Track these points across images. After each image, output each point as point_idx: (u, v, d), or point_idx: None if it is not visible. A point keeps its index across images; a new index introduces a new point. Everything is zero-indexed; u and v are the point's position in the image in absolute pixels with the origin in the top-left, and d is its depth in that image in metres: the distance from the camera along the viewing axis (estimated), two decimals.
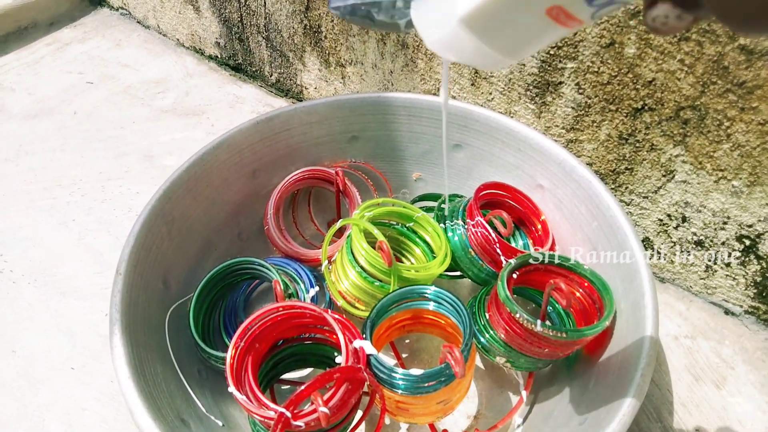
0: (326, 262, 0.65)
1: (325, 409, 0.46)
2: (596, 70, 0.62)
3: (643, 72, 0.59)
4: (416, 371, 0.51)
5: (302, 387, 0.47)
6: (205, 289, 0.62)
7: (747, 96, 0.54)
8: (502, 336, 0.58)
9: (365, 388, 0.54)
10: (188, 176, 0.65)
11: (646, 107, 0.61)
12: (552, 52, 0.63)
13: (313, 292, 0.65)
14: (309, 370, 0.65)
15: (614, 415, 0.47)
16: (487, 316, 0.60)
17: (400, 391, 0.52)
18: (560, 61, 0.64)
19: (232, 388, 0.50)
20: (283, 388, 0.64)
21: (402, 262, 0.69)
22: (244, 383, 0.52)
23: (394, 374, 0.52)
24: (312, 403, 0.47)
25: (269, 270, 0.61)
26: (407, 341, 0.69)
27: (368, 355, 0.53)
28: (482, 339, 0.60)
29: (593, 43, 0.60)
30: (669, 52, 0.56)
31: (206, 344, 0.60)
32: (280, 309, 0.54)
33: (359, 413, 0.55)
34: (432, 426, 0.58)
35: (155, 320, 0.59)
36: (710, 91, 0.56)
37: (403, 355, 0.67)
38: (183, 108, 0.97)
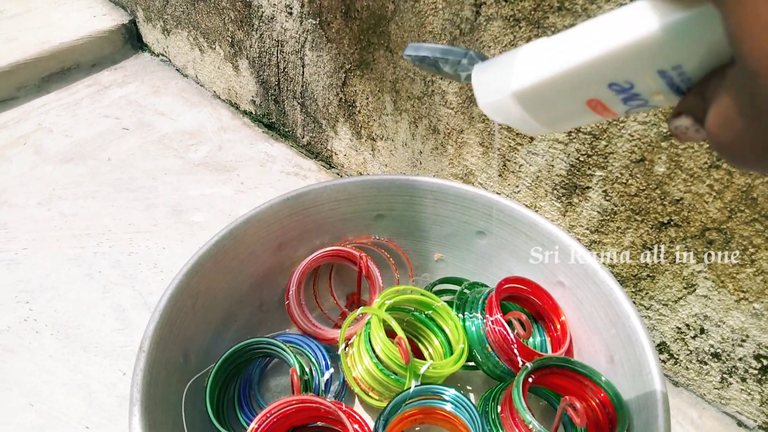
0: (343, 345, 0.66)
1: None
2: (624, 181, 0.63)
3: (672, 190, 0.60)
4: None
5: None
6: (223, 366, 0.63)
7: None
8: None
9: None
10: (217, 250, 0.67)
11: (671, 222, 0.62)
12: (582, 159, 0.65)
13: (328, 374, 0.65)
14: None
15: None
16: (500, 416, 0.61)
17: None
18: (589, 168, 0.65)
19: None
20: None
21: (418, 349, 0.70)
22: None
23: None
24: None
25: (287, 353, 0.62)
26: (417, 429, 0.69)
27: None
28: None
29: (623, 157, 0.61)
30: (698, 176, 0.57)
31: (220, 420, 0.61)
32: (295, 402, 0.55)
33: None
34: None
35: (173, 396, 0.60)
36: (737, 217, 0.57)
37: None
38: (215, 162, 0.99)
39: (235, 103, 1.11)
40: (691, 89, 0.24)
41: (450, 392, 0.58)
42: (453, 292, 0.75)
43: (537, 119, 0.31)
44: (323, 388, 0.64)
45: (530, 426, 0.55)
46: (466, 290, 0.72)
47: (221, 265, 0.68)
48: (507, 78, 0.30)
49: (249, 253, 0.70)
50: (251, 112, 1.09)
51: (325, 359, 0.67)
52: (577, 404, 0.54)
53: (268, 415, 0.54)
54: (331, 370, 0.67)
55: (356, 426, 0.55)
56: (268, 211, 0.71)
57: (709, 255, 0.61)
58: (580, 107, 0.28)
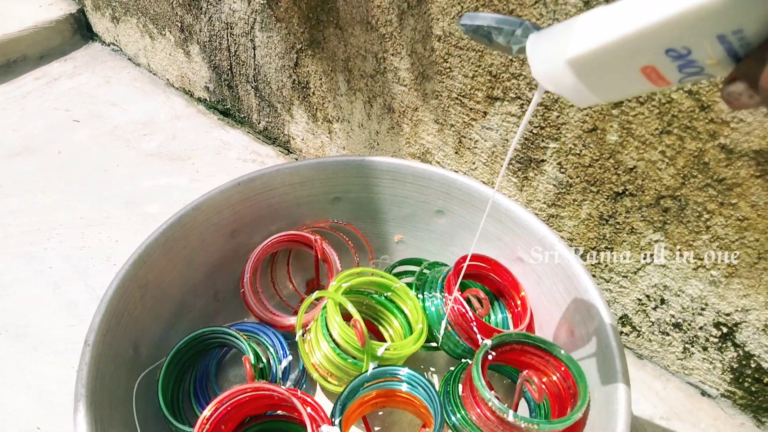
0: (301, 332, 0.64)
1: None
2: (578, 152, 0.62)
3: (625, 159, 0.59)
4: None
5: None
6: (176, 358, 0.61)
7: (726, 192, 0.54)
8: (474, 418, 0.57)
9: None
10: (165, 239, 0.64)
11: (627, 192, 0.61)
12: (535, 132, 0.64)
13: (285, 362, 0.64)
14: None
15: None
16: (461, 395, 0.60)
17: None
18: (543, 141, 0.64)
19: None
20: None
21: (379, 332, 0.69)
22: None
23: None
24: None
25: (240, 341, 0.61)
26: (380, 413, 0.68)
27: None
28: (454, 418, 0.59)
29: (575, 127, 0.60)
30: (650, 143, 0.56)
31: (175, 414, 0.59)
32: (248, 390, 0.53)
33: None
34: None
35: (123, 390, 0.57)
36: (690, 183, 0.56)
37: (375, 429, 0.66)
38: (169, 152, 0.96)
39: (189, 91, 1.08)
40: (749, 55, 0.24)
41: (404, 371, 0.57)
42: (414, 273, 0.74)
43: (590, 87, 0.31)
44: (280, 376, 0.63)
45: (490, 404, 0.54)
46: (425, 270, 0.71)
47: (171, 254, 0.65)
48: (563, 46, 0.30)
49: (200, 241, 0.68)
50: (205, 99, 1.06)
51: (282, 347, 0.65)
52: (535, 378, 0.53)
53: (221, 404, 0.52)
54: (289, 357, 0.65)
55: (311, 410, 0.53)
56: (219, 197, 0.69)
57: (665, 223, 0.60)
58: (634, 74, 0.28)
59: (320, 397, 0.69)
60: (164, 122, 1.02)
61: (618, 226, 0.64)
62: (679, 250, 0.61)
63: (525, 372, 0.54)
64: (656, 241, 0.62)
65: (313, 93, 0.84)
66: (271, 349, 0.64)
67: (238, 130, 1.01)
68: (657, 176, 0.58)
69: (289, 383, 0.64)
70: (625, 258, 0.66)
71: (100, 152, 0.96)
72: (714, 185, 0.55)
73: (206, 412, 0.51)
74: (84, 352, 0.54)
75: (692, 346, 0.67)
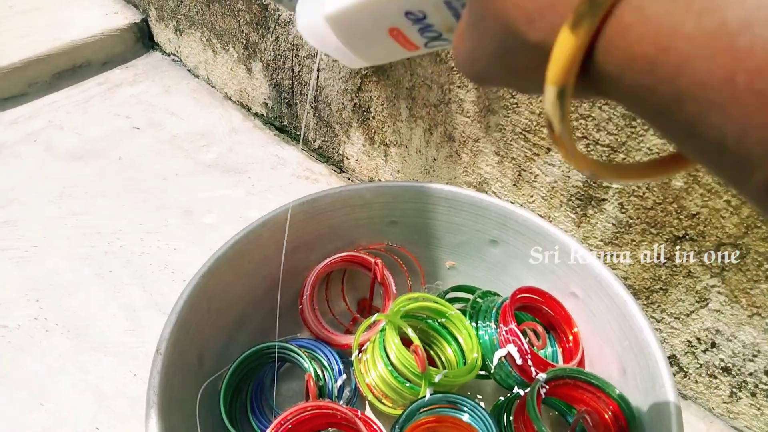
0: (357, 351, 0.66)
1: None
2: (641, 194, 0.63)
3: (688, 204, 0.60)
4: None
5: None
6: (238, 369, 0.63)
7: None
8: None
9: None
10: (233, 252, 0.67)
11: (687, 237, 0.62)
12: None
13: (341, 380, 0.65)
14: None
15: None
16: (513, 425, 0.61)
17: None
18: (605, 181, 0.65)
19: None
20: None
21: (431, 357, 0.70)
22: None
23: None
24: None
25: (302, 358, 0.63)
26: None
27: None
28: None
29: None
30: (716, 191, 0.57)
31: (233, 425, 0.61)
32: (310, 408, 0.55)
33: None
34: None
35: (188, 399, 0.60)
36: (753, 233, 0.57)
37: None
38: (226, 164, 0.99)
39: (247, 105, 1.11)
40: None
41: (468, 403, 0.59)
42: (465, 300, 0.75)
43: (350, 47, 0.30)
44: (336, 394, 0.64)
45: None
46: (479, 299, 0.73)
47: (236, 268, 0.68)
48: (322, 2, 0.29)
49: (263, 256, 0.70)
50: (263, 115, 1.09)
51: (338, 364, 0.67)
52: (595, 416, 0.54)
53: (283, 421, 0.54)
54: (344, 376, 0.67)
55: None
56: (284, 215, 0.71)
57: (724, 270, 0.61)
58: (384, 36, 0.28)
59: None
60: (222, 135, 1.05)
61: (674, 269, 0.65)
62: (736, 296, 0.62)
63: (583, 409, 0.55)
64: (712, 287, 0.63)
65: (373, 117, 0.87)
66: (327, 366, 0.66)
67: (293, 147, 1.04)
68: (720, 223, 0.59)
69: (342, 401, 0.66)
70: (678, 300, 0.67)
71: (159, 160, 1.00)
72: None
73: (270, 428, 0.53)
74: (155, 360, 0.56)
75: (740, 391, 0.67)
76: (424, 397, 0.59)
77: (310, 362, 0.63)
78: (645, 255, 0.67)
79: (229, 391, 0.63)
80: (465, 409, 0.59)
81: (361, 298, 0.80)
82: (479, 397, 0.73)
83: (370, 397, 0.64)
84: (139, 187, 0.95)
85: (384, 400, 0.64)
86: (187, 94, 1.15)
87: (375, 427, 0.56)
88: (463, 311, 0.70)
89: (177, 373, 0.58)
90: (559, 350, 0.70)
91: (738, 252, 0.59)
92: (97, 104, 1.11)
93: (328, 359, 0.67)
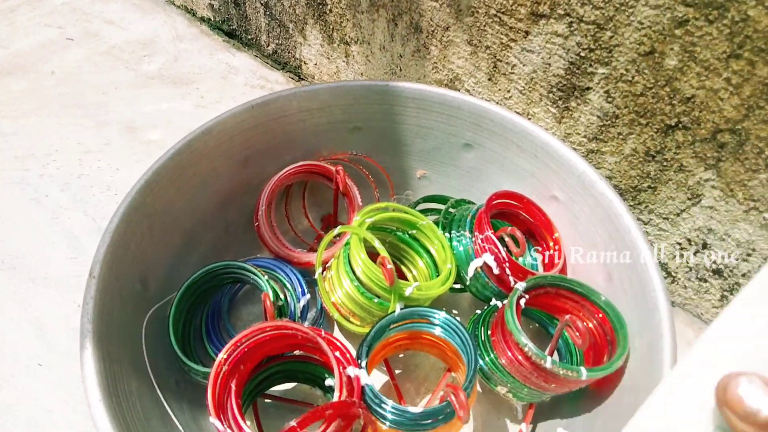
0: (320, 269, 0.60)
1: None
2: (630, 79, 0.56)
3: (683, 87, 0.53)
4: (414, 408, 0.47)
5: (290, 424, 0.43)
6: (187, 294, 0.57)
7: None
8: (504, 363, 0.54)
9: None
10: (173, 164, 0.59)
11: (680, 125, 0.56)
12: (583, 55, 0.58)
13: (304, 300, 0.60)
14: (294, 384, 0.60)
15: None
16: (491, 339, 0.56)
17: (394, 427, 0.48)
18: (591, 65, 0.58)
19: (213, 419, 0.45)
20: (266, 401, 0.59)
21: (402, 272, 0.64)
22: (227, 411, 0.47)
23: (389, 409, 0.48)
24: None
25: (258, 278, 0.56)
26: (401, 356, 0.64)
27: (363, 386, 0.49)
28: (481, 362, 0.56)
29: (630, 50, 0.54)
30: (715, 68, 0.50)
31: (186, 353, 0.56)
32: (269, 329, 0.49)
33: None
34: None
35: (131, 327, 0.54)
36: (755, 115, 0.51)
37: (396, 371, 0.63)
38: (171, 75, 0.89)
39: (192, 9, 1.00)
40: None
41: (440, 315, 0.53)
42: (437, 211, 0.69)
43: None
44: (299, 315, 0.59)
45: (525, 349, 0.50)
46: (451, 209, 0.67)
47: (180, 182, 0.60)
48: None
49: (211, 169, 0.63)
50: (209, 19, 0.98)
51: (300, 284, 0.61)
52: (579, 324, 0.49)
53: (239, 344, 0.49)
54: (308, 296, 0.61)
55: (337, 353, 0.49)
56: (231, 121, 0.63)
57: (719, 160, 0.55)
58: None
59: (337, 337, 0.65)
60: (165, 43, 0.95)
61: (665, 163, 0.59)
62: (731, 190, 0.56)
63: (567, 317, 0.50)
64: (706, 180, 0.57)
65: (330, 10, 0.77)
66: (289, 287, 0.60)
67: (245, 54, 0.94)
68: (717, 107, 0.53)
69: (307, 323, 0.61)
70: (668, 198, 0.62)
71: (97, 74, 0.89)
72: None
73: (223, 354, 0.47)
74: (89, 285, 0.50)
75: (731, 294, 0.63)
76: (394, 312, 0.53)
77: (268, 282, 0.56)
78: (633, 149, 0.61)
79: (180, 317, 0.57)
80: (436, 321, 0.53)
81: (325, 214, 0.73)
82: (455, 312, 0.68)
83: (336, 316, 0.58)
84: (76, 103, 0.85)
85: (352, 319, 0.58)
86: (125, 0, 1.03)
87: (338, 344, 0.50)
88: (436, 223, 0.64)
89: (116, 299, 0.52)
90: (540, 258, 0.65)
91: (737, 138, 0.53)
92: (24, 14, 0.98)
93: (290, 279, 0.61)
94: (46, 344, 0.63)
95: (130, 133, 0.82)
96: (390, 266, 0.52)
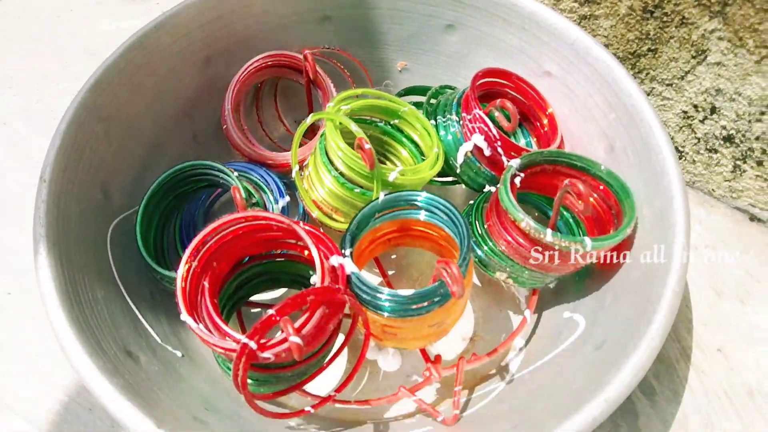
0: (297, 167, 0.55)
1: (296, 339, 0.38)
2: None
3: None
4: (405, 291, 0.43)
5: (269, 312, 0.39)
6: (154, 199, 0.53)
7: None
8: (503, 248, 0.50)
9: (346, 311, 0.46)
10: (125, 63, 0.54)
11: None
12: None
13: (282, 202, 0.55)
14: (283, 290, 0.56)
15: (640, 339, 0.40)
16: (486, 226, 0.52)
17: (386, 314, 0.44)
18: None
19: (184, 316, 0.42)
20: (253, 311, 0.56)
21: (385, 165, 0.60)
22: (200, 309, 0.43)
23: (379, 294, 0.44)
24: (282, 331, 0.39)
25: (227, 175, 0.52)
26: (393, 257, 0.60)
27: (348, 274, 0.45)
28: (480, 252, 0.52)
29: None
30: None
31: (160, 264, 0.51)
32: (242, 220, 0.45)
33: (340, 338, 0.47)
34: (424, 351, 0.51)
35: (95, 237, 0.50)
36: None
37: (390, 272, 0.59)
38: None
39: None
40: None
41: (421, 196, 0.49)
42: (421, 104, 0.64)
43: None
44: None
45: (523, 224, 0.46)
46: (435, 97, 0.61)
47: (135, 83, 0.55)
48: None
49: (169, 69, 0.58)
50: None
51: (278, 186, 0.56)
52: (580, 186, 0.44)
53: (208, 237, 0.44)
54: (287, 198, 0.56)
55: (321, 247, 0.45)
56: (185, 14, 0.57)
57: (726, 5, 0.50)
58: None
59: None
60: None
61: (665, 19, 0.54)
62: (740, 39, 0.51)
63: (567, 181, 0.46)
64: (711, 32, 0.52)
65: None
66: (266, 188, 0.56)
67: None
68: None
69: None
70: (671, 60, 0.56)
71: None
72: None
73: (189, 250, 0.43)
74: (40, 189, 0.46)
75: (744, 162, 0.58)
76: (377, 199, 0.49)
77: (240, 182, 0.52)
78: (629, 8, 0.55)
79: (149, 225, 0.53)
80: (419, 203, 0.49)
81: (301, 118, 0.68)
82: None
83: (318, 214, 0.54)
84: (28, 29, 0.79)
85: (335, 215, 0.54)
86: None
87: (319, 234, 0.46)
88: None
89: (73, 206, 0.48)
90: (534, 140, 0.60)
91: None
92: None
93: (266, 181, 0.56)
94: (13, 273, 0.59)
95: (89, 54, 0.76)
96: (368, 146, 0.47)
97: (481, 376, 0.53)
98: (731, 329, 0.55)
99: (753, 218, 0.62)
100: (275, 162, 0.58)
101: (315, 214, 0.54)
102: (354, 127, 0.49)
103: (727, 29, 0.51)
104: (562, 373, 0.47)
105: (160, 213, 0.54)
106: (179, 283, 0.42)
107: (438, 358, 0.50)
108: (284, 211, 0.56)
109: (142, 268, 0.52)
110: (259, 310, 0.56)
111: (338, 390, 0.48)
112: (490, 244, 0.51)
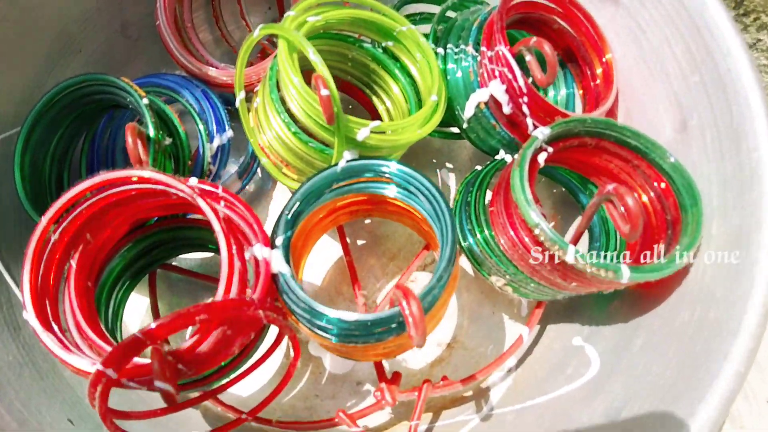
0: (242, 93, 0.40)
1: (164, 385, 0.26)
2: None
3: None
4: (352, 315, 0.30)
5: (137, 334, 0.26)
6: (43, 119, 0.38)
7: None
8: (505, 246, 0.36)
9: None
10: None
11: None
12: None
13: (220, 139, 0.41)
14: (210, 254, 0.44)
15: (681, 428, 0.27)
16: (488, 210, 0.37)
17: (327, 336, 0.31)
18: None
19: (29, 314, 0.29)
20: (174, 276, 0.43)
21: (373, 105, 0.44)
22: (64, 303, 0.31)
23: (317, 317, 0.30)
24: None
25: (133, 96, 0.36)
26: (367, 222, 0.46)
27: (275, 273, 0.31)
28: (471, 239, 0.38)
29: None
30: None
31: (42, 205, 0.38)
32: (131, 180, 0.31)
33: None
34: (379, 365, 0.39)
35: None
36: None
37: (359, 243, 0.46)
38: None
39: None
40: None
41: (391, 167, 0.34)
42: (431, 17, 0.47)
43: None
44: (209, 161, 0.40)
45: (536, 230, 0.32)
46: (451, 11, 0.44)
47: None
48: None
49: None
50: None
51: (216, 115, 0.42)
52: (629, 200, 0.29)
53: (75, 202, 0.31)
54: (229, 132, 0.42)
55: (242, 223, 0.31)
56: None
57: None
58: None
59: (283, 199, 0.47)
60: None
61: None
62: None
63: (611, 186, 0.31)
64: None
65: None
66: (199, 118, 0.41)
67: None
68: None
69: (232, 170, 0.43)
70: None
71: None
72: None
73: (46, 218, 0.30)
74: None
75: None
76: (336, 165, 0.34)
77: (151, 108, 0.37)
78: None
79: (36, 152, 0.39)
80: (387, 175, 0.34)
81: (274, 18, 0.51)
82: (450, 166, 0.49)
83: (266, 163, 0.40)
84: None
85: (287, 170, 0.40)
86: None
87: (240, 209, 0.32)
88: (426, 35, 0.43)
89: None
90: (580, 93, 0.43)
91: None
92: None
93: (200, 106, 0.41)
94: None
95: None
96: (326, 92, 0.32)
97: (453, 398, 0.41)
98: None
99: None
100: (219, 80, 0.43)
101: (263, 161, 0.40)
102: (313, 55, 0.33)
103: None
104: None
105: (58, 137, 0.40)
106: (26, 267, 0.29)
107: (396, 377, 0.38)
108: (223, 150, 0.41)
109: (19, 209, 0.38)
110: (182, 277, 0.43)
111: (254, 411, 0.36)
112: (487, 232, 0.37)
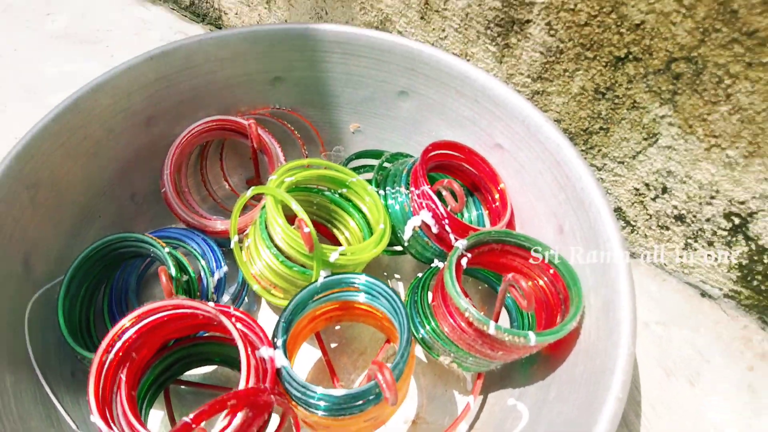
0: (236, 237, 0.53)
1: None
2: (572, 7, 0.49)
3: (631, 12, 0.47)
4: (338, 391, 0.41)
5: (184, 419, 0.36)
6: (79, 273, 0.49)
7: (757, 48, 0.43)
8: (447, 330, 0.48)
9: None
10: (58, 127, 0.51)
11: (630, 56, 0.49)
12: None
13: (219, 274, 0.53)
14: (214, 367, 0.54)
15: None
16: (431, 304, 0.50)
17: (320, 413, 0.42)
18: None
19: (95, 418, 0.39)
20: (182, 389, 0.53)
21: (334, 236, 0.58)
22: (115, 406, 0.40)
23: (310, 393, 0.41)
24: None
25: (157, 248, 0.49)
26: (337, 328, 0.58)
27: (279, 368, 0.42)
28: (422, 330, 0.50)
29: None
30: None
31: (82, 341, 0.48)
32: (162, 309, 0.42)
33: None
34: None
35: (9, 314, 0.46)
36: (711, 40, 0.45)
37: (332, 345, 0.57)
38: (77, 33, 0.80)
39: None
40: None
41: (360, 279, 0.47)
42: (373, 168, 0.62)
43: None
44: (213, 291, 0.52)
45: (466, 314, 0.44)
46: (386, 163, 0.60)
47: (68, 147, 0.52)
48: None
49: (106, 131, 0.55)
50: None
51: (215, 255, 0.54)
52: (523, 283, 0.43)
53: (125, 331, 0.41)
54: (225, 268, 0.54)
55: (245, 328, 0.43)
56: (126, 75, 0.55)
57: (675, 94, 0.49)
58: None
59: (268, 314, 0.58)
60: None
61: (617, 101, 0.53)
62: (690, 126, 0.50)
63: (510, 276, 0.44)
64: (662, 117, 0.52)
65: None
66: (201, 259, 0.53)
67: (159, 7, 0.85)
68: (670, 33, 0.46)
69: (226, 298, 0.54)
70: (622, 140, 0.56)
71: None
72: (742, 40, 0.43)
73: (104, 344, 0.40)
74: None
75: (695, 241, 0.58)
76: (316, 281, 0.47)
77: (172, 255, 0.49)
78: (581, 87, 0.54)
79: (74, 299, 0.50)
80: (358, 286, 0.47)
81: (250, 177, 0.66)
82: (397, 276, 0.62)
83: (257, 288, 0.51)
84: None
85: (274, 291, 0.52)
86: None
87: (250, 321, 0.43)
88: (370, 181, 0.58)
89: None
90: (485, 213, 0.59)
91: (693, 67, 0.47)
92: None
93: (201, 249, 0.54)
94: None
95: (30, 96, 0.73)
96: (308, 229, 0.45)
97: None
98: (680, 413, 0.54)
99: (704, 294, 0.61)
100: (213, 229, 0.55)
101: (255, 287, 0.51)
102: (295, 205, 0.47)
103: (677, 116, 0.50)
104: None
105: (88, 286, 0.51)
106: (91, 380, 0.39)
107: None
108: (221, 282, 0.53)
109: (63, 345, 0.48)
110: (187, 388, 0.53)
111: None
112: (433, 323, 0.49)
